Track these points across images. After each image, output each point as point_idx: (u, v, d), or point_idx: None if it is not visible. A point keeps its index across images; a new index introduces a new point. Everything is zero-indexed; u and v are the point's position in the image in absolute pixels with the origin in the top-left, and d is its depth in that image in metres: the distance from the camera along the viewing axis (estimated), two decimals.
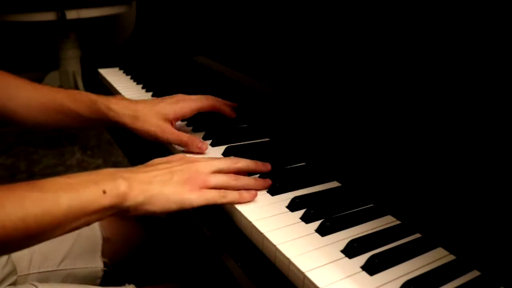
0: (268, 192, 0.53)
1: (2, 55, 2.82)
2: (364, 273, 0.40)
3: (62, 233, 0.43)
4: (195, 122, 0.74)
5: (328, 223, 0.46)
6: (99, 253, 0.72)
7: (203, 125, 0.73)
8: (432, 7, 0.47)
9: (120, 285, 0.63)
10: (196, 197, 0.49)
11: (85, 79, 1.24)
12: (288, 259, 0.41)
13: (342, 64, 0.59)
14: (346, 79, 0.58)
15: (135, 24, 1.28)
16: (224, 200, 0.50)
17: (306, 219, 0.48)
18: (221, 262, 0.48)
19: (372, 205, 0.52)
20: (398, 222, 0.49)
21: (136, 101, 0.68)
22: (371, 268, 0.40)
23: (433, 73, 0.47)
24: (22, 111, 0.68)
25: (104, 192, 0.44)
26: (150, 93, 0.92)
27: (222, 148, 0.64)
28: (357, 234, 0.45)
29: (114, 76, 1.06)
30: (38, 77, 2.60)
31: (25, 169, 1.93)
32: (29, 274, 0.66)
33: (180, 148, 0.64)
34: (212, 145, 0.66)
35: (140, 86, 0.98)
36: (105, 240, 0.74)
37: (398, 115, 0.51)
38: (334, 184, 0.57)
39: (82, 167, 1.94)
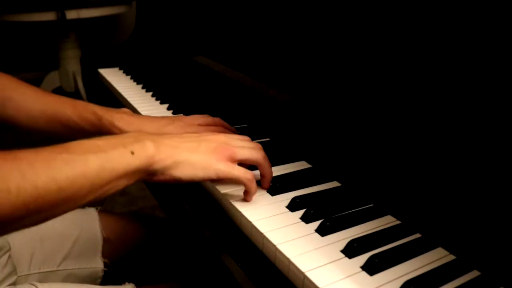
0: (268, 192, 0.53)
1: (2, 55, 2.82)
2: (364, 273, 0.40)
3: (94, 197, 0.42)
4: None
5: (328, 223, 0.46)
6: (99, 254, 0.72)
7: None
8: (436, 9, 0.47)
9: (120, 284, 0.63)
10: (223, 167, 0.48)
11: (85, 79, 1.24)
12: (288, 259, 0.41)
13: (342, 64, 0.59)
14: (346, 79, 0.58)
15: (135, 24, 1.28)
16: (247, 183, 0.49)
17: (306, 219, 0.48)
18: (221, 262, 0.48)
19: (372, 205, 0.52)
20: (398, 222, 0.49)
21: (143, 119, 0.66)
22: (371, 268, 0.40)
23: (433, 74, 0.47)
24: (24, 119, 0.66)
25: (133, 153, 0.44)
26: (150, 93, 0.92)
27: None
28: (357, 234, 0.45)
29: (114, 76, 1.06)
30: (38, 77, 2.61)
31: None
32: (29, 274, 0.66)
33: None
34: None
35: (140, 86, 0.98)
36: (105, 240, 0.74)
37: (398, 115, 0.51)
38: (334, 184, 0.57)
39: None
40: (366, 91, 0.55)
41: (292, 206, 0.50)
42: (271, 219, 0.48)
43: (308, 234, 0.45)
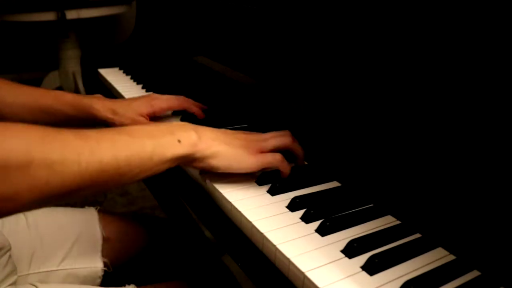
0: (268, 192, 0.53)
1: (2, 55, 2.82)
2: (364, 273, 0.40)
3: (144, 176, 0.47)
4: (196, 123, 0.74)
5: (328, 223, 0.46)
6: (99, 253, 0.72)
7: (204, 125, 0.73)
8: (429, 7, 0.47)
9: (120, 286, 0.63)
10: (254, 160, 0.53)
11: (85, 79, 1.24)
12: (288, 259, 0.41)
13: (343, 64, 0.59)
14: (346, 80, 0.58)
15: (135, 24, 1.28)
16: (279, 164, 0.53)
17: (306, 219, 0.48)
18: (221, 262, 0.48)
19: (372, 205, 0.52)
20: (398, 222, 0.49)
21: (115, 100, 0.75)
22: (371, 268, 0.40)
23: (432, 73, 0.47)
24: (6, 111, 0.70)
25: (179, 141, 0.49)
26: (150, 93, 0.92)
27: None
28: (357, 234, 0.45)
29: (114, 76, 1.06)
30: (38, 77, 2.61)
31: None
32: (29, 274, 0.66)
33: None
34: None
35: (140, 86, 0.98)
36: (105, 240, 0.74)
37: (398, 115, 0.51)
38: (334, 184, 0.57)
39: None
40: (366, 92, 0.55)
41: (292, 206, 0.50)
42: (271, 219, 0.48)
43: (308, 234, 0.45)
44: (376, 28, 0.54)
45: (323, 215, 0.48)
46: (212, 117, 0.76)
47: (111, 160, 0.43)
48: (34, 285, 0.59)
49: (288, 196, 0.52)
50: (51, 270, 0.67)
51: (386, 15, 0.52)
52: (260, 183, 0.55)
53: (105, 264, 0.72)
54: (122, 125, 0.70)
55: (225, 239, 0.50)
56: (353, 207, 0.50)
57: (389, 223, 0.48)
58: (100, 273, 0.71)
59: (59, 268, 0.68)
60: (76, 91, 2.38)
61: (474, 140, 0.43)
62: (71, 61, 2.38)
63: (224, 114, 0.80)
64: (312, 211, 0.48)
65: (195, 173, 0.58)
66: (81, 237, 0.72)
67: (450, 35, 0.45)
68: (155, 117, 0.74)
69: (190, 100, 0.77)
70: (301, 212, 0.49)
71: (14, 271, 0.63)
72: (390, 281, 0.39)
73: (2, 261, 0.61)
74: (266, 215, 0.48)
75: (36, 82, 2.54)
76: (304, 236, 0.45)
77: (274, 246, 0.43)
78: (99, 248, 0.73)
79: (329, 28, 0.61)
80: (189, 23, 1.05)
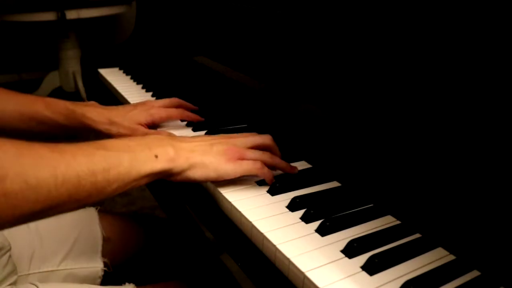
0: (268, 192, 0.53)
1: (2, 55, 2.82)
2: (364, 273, 0.40)
3: (122, 191, 0.47)
4: (195, 122, 0.74)
5: (328, 223, 0.46)
6: (99, 253, 0.72)
7: (204, 125, 0.73)
8: (429, 7, 0.47)
9: (120, 284, 0.63)
10: (232, 167, 0.52)
11: (85, 79, 1.24)
12: (288, 259, 0.41)
13: (342, 64, 0.59)
14: (346, 79, 0.58)
15: (135, 24, 1.28)
16: (259, 172, 0.53)
17: (306, 219, 0.48)
18: (221, 262, 0.48)
19: (372, 205, 0.52)
20: (398, 222, 0.49)
21: (110, 108, 0.71)
22: (371, 268, 0.40)
23: (432, 73, 0.47)
24: None
25: (156, 156, 0.49)
26: (150, 93, 0.92)
27: None
28: (357, 234, 0.45)
29: (114, 76, 1.06)
30: (38, 77, 2.61)
31: None
32: (29, 274, 0.66)
33: None
34: None
35: (140, 86, 0.98)
36: (105, 240, 0.74)
37: (398, 115, 0.51)
38: (334, 184, 0.57)
39: None
40: (366, 91, 0.55)
41: (292, 206, 0.50)
42: (271, 219, 0.48)
43: (308, 234, 0.45)
44: (375, 28, 0.54)
45: (323, 215, 0.48)
46: (212, 117, 0.76)
47: (88, 174, 0.42)
48: (35, 285, 0.59)
49: (288, 196, 0.52)
50: (51, 270, 0.67)
51: (385, 15, 0.52)
52: (260, 183, 0.55)
53: (105, 264, 0.72)
54: (119, 135, 0.68)
55: (225, 239, 0.50)
56: (353, 207, 0.50)
57: (389, 223, 0.48)
58: (100, 273, 0.71)
59: (59, 268, 0.68)
60: (76, 91, 2.38)
61: (473, 141, 0.43)
62: (71, 61, 2.39)
63: (224, 114, 0.80)
64: (312, 211, 0.48)
65: None
66: (81, 237, 0.72)
67: (449, 36, 0.45)
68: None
69: (186, 106, 0.76)
70: (301, 212, 0.49)
71: (14, 271, 0.63)
72: (390, 281, 0.39)
73: (2, 261, 0.61)
74: (266, 215, 0.48)
75: (36, 82, 2.54)
76: (304, 236, 0.45)
77: (274, 246, 0.43)
78: (99, 248, 0.73)
79: (329, 28, 0.61)
80: (189, 23, 1.05)
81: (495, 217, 0.40)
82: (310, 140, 0.62)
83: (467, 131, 0.43)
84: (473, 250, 0.42)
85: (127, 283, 0.64)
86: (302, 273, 0.40)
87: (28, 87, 2.50)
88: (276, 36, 0.72)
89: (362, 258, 0.42)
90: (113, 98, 0.99)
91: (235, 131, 0.72)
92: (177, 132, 0.68)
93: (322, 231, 0.46)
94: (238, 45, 0.84)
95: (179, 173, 0.51)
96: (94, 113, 0.69)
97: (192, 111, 0.75)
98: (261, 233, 0.45)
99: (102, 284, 0.72)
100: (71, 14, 2.03)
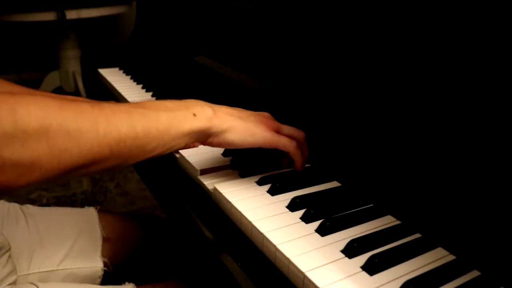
0: (268, 192, 0.53)
1: (2, 55, 2.82)
2: (364, 273, 0.40)
3: (162, 151, 0.47)
4: None
5: (328, 223, 0.46)
6: (99, 253, 0.72)
7: None
8: (429, 7, 0.47)
9: (120, 284, 0.63)
10: (270, 135, 0.53)
11: (85, 79, 1.24)
12: (288, 259, 0.41)
13: (342, 64, 0.59)
14: (346, 79, 0.58)
15: (135, 24, 1.28)
16: (294, 150, 0.54)
17: (306, 219, 0.48)
18: (221, 261, 0.48)
19: (372, 205, 0.52)
20: (398, 222, 0.49)
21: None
22: (371, 268, 0.40)
23: (432, 73, 0.47)
24: None
25: (195, 115, 0.49)
26: (150, 93, 0.93)
27: (221, 150, 0.64)
28: (357, 234, 0.45)
29: (114, 76, 1.07)
30: (38, 77, 2.61)
31: None
32: (29, 274, 0.66)
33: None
34: None
35: (140, 86, 0.98)
36: (105, 239, 0.74)
37: (398, 115, 0.51)
38: (334, 184, 0.57)
39: None
40: (366, 91, 0.55)
41: (292, 206, 0.50)
42: (271, 219, 0.48)
43: (308, 234, 0.45)
44: (375, 28, 0.54)
45: (323, 215, 0.48)
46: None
47: (128, 130, 0.43)
48: (34, 285, 0.59)
49: (288, 196, 0.52)
50: (51, 270, 0.67)
51: (384, 15, 0.52)
52: (260, 183, 0.55)
53: (105, 264, 0.72)
54: None
55: (225, 239, 0.50)
56: (353, 207, 0.50)
57: (389, 223, 0.48)
58: (100, 273, 0.71)
59: (59, 268, 0.68)
60: (76, 91, 2.38)
61: (473, 141, 0.43)
62: (71, 61, 2.39)
63: None
64: (312, 211, 0.48)
65: (195, 173, 0.58)
66: (81, 237, 0.72)
67: (449, 36, 0.45)
68: None
69: None
70: (301, 212, 0.49)
71: (14, 270, 0.63)
72: (390, 281, 0.39)
73: (2, 261, 0.61)
74: (266, 215, 0.48)
75: (36, 82, 2.54)
76: (304, 236, 0.45)
77: (274, 246, 0.43)
78: (99, 248, 0.73)
79: (328, 28, 0.61)
80: (189, 23, 1.05)
81: (495, 217, 0.40)
82: (310, 140, 0.62)
83: (467, 131, 0.43)
84: (473, 250, 0.42)
85: (127, 283, 0.64)
86: (302, 273, 0.40)
87: (28, 87, 2.50)
88: (277, 36, 0.72)
89: (362, 258, 0.42)
90: (113, 98, 0.99)
91: None
92: None
93: (322, 231, 0.46)
94: (238, 45, 0.84)
95: (217, 134, 0.51)
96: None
97: None
98: (261, 233, 0.45)
99: (102, 284, 0.72)
100: (71, 14, 2.03)
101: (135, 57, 1.20)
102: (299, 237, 0.45)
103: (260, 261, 0.45)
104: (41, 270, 0.67)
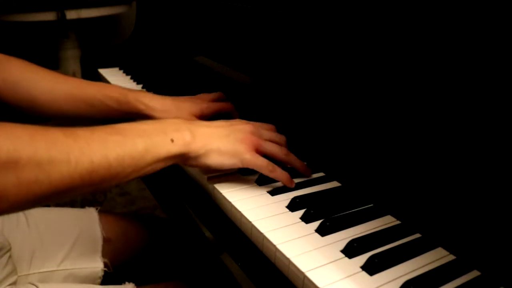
0: (268, 192, 0.53)
1: None
2: (364, 273, 0.40)
3: (137, 176, 0.47)
4: None
5: (328, 223, 0.46)
6: (99, 254, 0.72)
7: None
8: (429, 7, 0.47)
9: (120, 284, 0.63)
10: (249, 157, 0.52)
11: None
12: (288, 259, 0.41)
13: (342, 64, 0.59)
14: (347, 80, 0.58)
15: (135, 24, 1.28)
16: (271, 174, 0.52)
17: (306, 219, 0.48)
18: (221, 261, 0.48)
19: (372, 205, 0.52)
20: (398, 222, 0.49)
21: (164, 97, 0.72)
22: (371, 268, 0.40)
23: (432, 73, 0.47)
24: (43, 99, 0.70)
25: (172, 140, 0.48)
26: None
27: None
28: (357, 234, 0.45)
29: (114, 76, 1.06)
30: None
31: None
32: (29, 274, 0.66)
33: None
34: None
35: (140, 86, 0.98)
36: (106, 240, 0.74)
37: (398, 115, 0.51)
38: (334, 184, 0.57)
39: None
40: (366, 92, 0.55)
41: (292, 206, 0.50)
42: (271, 219, 0.48)
43: (308, 234, 0.45)
44: (375, 28, 0.53)
45: (323, 215, 0.48)
46: (211, 117, 0.76)
47: (101, 160, 0.42)
48: (35, 285, 0.59)
49: (288, 196, 0.52)
50: (51, 270, 0.67)
51: (384, 14, 0.52)
52: (260, 183, 0.55)
53: (105, 264, 0.72)
54: None
55: (225, 239, 0.50)
56: (353, 207, 0.50)
57: (389, 223, 0.48)
58: (100, 273, 0.71)
59: (59, 268, 0.68)
60: None
61: (473, 141, 0.43)
62: (71, 61, 2.38)
63: (224, 114, 0.80)
64: (312, 211, 0.48)
65: (195, 173, 0.58)
66: (81, 237, 0.72)
67: (449, 36, 0.45)
68: None
69: (229, 103, 0.76)
70: (301, 212, 0.49)
71: (14, 271, 0.63)
72: (390, 281, 0.39)
73: (2, 261, 0.61)
74: (266, 215, 0.48)
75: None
76: (304, 236, 0.45)
77: (274, 246, 0.43)
78: (99, 248, 0.73)
79: (328, 28, 0.61)
80: (189, 23, 1.05)
81: (495, 217, 0.40)
82: (310, 140, 0.62)
83: (467, 132, 0.43)
84: (473, 250, 0.42)
85: (127, 283, 0.64)
86: (302, 273, 0.40)
87: None
88: (276, 36, 0.72)
89: (362, 258, 0.42)
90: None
91: None
92: None
93: (322, 231, 0.46)
94: (238, 45, 0.84)
95: (195, 158, 0.50)
96: (148, 98, 0.69)
97: None
98: (261, 233, 0.45)
99: (102, 284, 0.71)
100: (71, 14, 2.03)
101: (135, 57, 1.20)
102: (299, 237, 0.45)
103: (260, 261, 0.45)
104: (41, 270, 0.67)
